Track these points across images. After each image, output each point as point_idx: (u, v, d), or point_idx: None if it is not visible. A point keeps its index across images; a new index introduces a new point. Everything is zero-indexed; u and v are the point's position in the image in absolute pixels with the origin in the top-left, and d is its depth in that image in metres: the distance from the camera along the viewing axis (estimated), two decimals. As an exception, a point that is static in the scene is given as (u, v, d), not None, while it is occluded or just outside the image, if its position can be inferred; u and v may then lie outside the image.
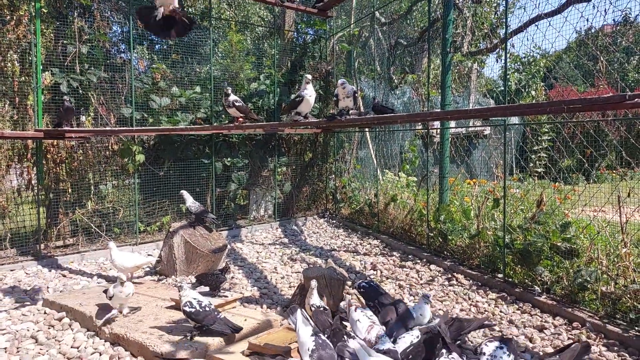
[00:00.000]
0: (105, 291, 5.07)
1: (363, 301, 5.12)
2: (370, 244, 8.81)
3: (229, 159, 9.55)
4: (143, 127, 8.00)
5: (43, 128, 7.33)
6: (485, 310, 5.63)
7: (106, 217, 8.33)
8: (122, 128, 7.97)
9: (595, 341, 4.69)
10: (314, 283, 4.84)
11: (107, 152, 8.36)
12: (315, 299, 4.77)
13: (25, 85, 7.46)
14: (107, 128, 7.95)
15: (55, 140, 7.65)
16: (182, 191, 7.44)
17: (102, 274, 7.05)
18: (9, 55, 7.31)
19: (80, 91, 7.95)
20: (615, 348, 4.54)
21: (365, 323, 4.30)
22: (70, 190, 7.98)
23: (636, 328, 4.66)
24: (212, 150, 9.23)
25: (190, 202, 7.34)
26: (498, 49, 9.23)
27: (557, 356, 3.63)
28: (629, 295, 4.84)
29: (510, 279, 6.19)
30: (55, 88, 7.71)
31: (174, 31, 4.59)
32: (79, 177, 8.10)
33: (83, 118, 8.07)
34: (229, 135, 9.52)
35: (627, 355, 4.42)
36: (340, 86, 5.04)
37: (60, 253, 7.76)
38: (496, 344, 3.68)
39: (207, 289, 5.69)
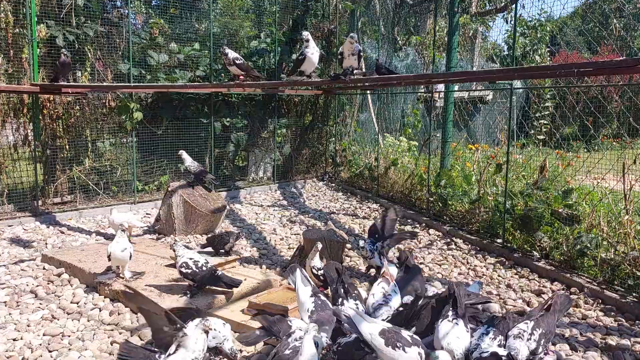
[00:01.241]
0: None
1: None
2: (369, 207, 8.80)
3: (228, 119, 9.42)
4: (141, 84, 7.84)
5: (39, 82, 7.17)
6: (483, 274, 5.65)
7: (104, 175, 8.26)
8: (119, 84, 7.81)
9: (592, 306, 4.73)
10: (319, 245, 4.80)
11: (105, 109, 8.22)
12: (316, 261, 4.77)
13: (20, 37, 7.25)
14: (104, 84, 7.78)
15: (52, 96, 7.50)
16: (180, 151, 7.35)
17: (100, 232, 7.03)
18: (2, 5, 7.08)
19: (77, 45, 7.75)
20: (612, 313, 4.57)
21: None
22: (67, 146, 7.88)
23: (634, 294, 4.69)
24: (211, 110, 9.08)
25: (189, 162, 7.26)
26: (507, 10, 8.99)
27: (543, 311, 3.61)
28: (628, 262, 4.85)
29: (509, 245, 6.19)
30: (50, 41, 7.51)
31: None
32: (76, 134, 7.98)
33: (80, 73, 7.89)
34: (229, 95, 9.36)
35: (623, 320, 4.45)
36: (349, 40, 4.88)
37: (58, 210, 7.72)
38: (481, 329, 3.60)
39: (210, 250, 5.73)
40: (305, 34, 5.18)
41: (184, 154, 7.26)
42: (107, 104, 8.18)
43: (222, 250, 5.67)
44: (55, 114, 7.72)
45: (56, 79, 6.67)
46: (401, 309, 4.01)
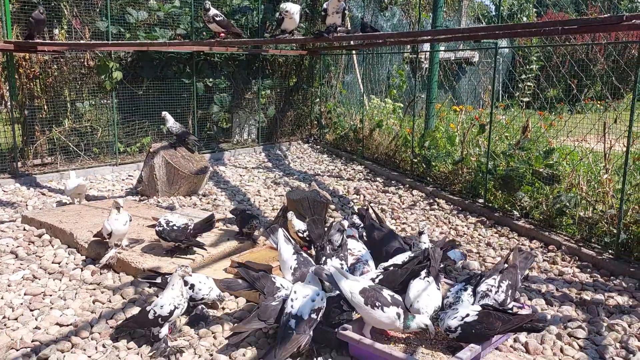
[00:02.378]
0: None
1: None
2: (354, 169, 8.80)
3: (210, 80, 9.25)
4: (119, 42, 7.62)
5: (12, 39, 6.93)
6: (464, 234, 5.73)
7: (84, 136, 8.12)
8: (97, 42, 7.59)
9: (569, 263, 4.83)
10: (289, 215, 4.71)
11: (83, 69, 8.01)
12: (299, 225, 4.74)
13: (-9, -8, 6.96)
14: (82, 42, 7.55)
15: (27, 54, 7.27)
16: (163, 112, 7.23)
17: (82, 193, 6.96)
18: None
19: (52, 2, 7.47)
20: (588, 270, 4.68)
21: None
22: (45, 107, 7.70)
23: (610, 251, 4.80)
24: (193, 70, 8.89)
25: (171, 122, 7.15)
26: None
27: (506, 265, 3.66)
28: (605, 220, 4.94)
29: (490, 204, 6.27)
30: (24, -4, 7.23)
31: None
32: (55, 94, 7.79)
33: (56, 31, 7.64)
34: (211, 55, 9.15)
35: (598, 276, 4.57)
36: None
37: (39, 172, 7.61)
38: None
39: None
40: None
41: (167, 115, 7.15)
42: (85, 63, 7.96)
43: (244, 229, 5.09)
44: (32, 73, 7.51)
45: (31, 36, 6.45)
46: (391, 268, 3.85)
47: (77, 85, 7.97)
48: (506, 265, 3.67)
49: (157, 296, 3.62)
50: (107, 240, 4.55)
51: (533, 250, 5.14)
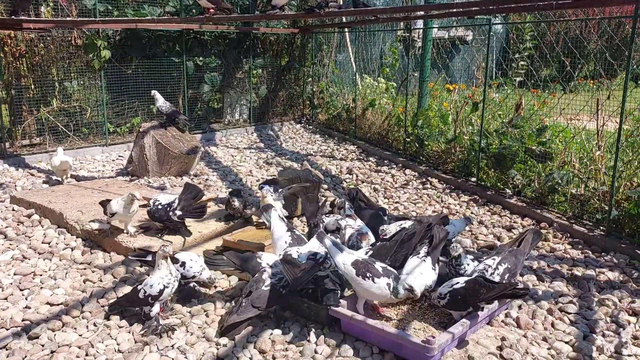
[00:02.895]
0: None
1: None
2: (346, 149, 8.76)
3: (201, 59, 9.11)
4: (107, 19, 7.46)
5: (-3, 17, 6.77)
6: (456, 212, 5.73)
7: (73, 116, 8.00)
8: (84, 19, 7.42)
9: (561, 240, 4.85)
10: (264, 191, 4.64)
11: (71, 48, 7.85)
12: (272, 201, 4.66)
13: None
14: (69, 19, 7.39)
15: (12, 31, 7.12)
16: (153, 91, 7.13)
17: (72, 174, 6.87)
18: None
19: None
20: (580, 246, 4.70)
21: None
22: (33, 87, 7.57)
23: (601, 227, 4.81)
24: (183, 49, 8.75)
25: (161, 102, 7.06)
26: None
27: (513, 247, 3.67)
28: (597, 197, 4.95)
29: (482, 183, 6.26)
30: (7, -27, 7.04)
31: None
32: (42, 74, 7.65)
33: (42, 8, 7.47)
34: (201, 33, 9.00)
35: (589, 252, 4.59)
36: None
37: (27, 152, 7.51)
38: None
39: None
40: None
41: (157, 94, 7.06)
42: (73, 41, 7.81)
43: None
44: (18, 51, 7.36)
45: (15, 12, 6.29)
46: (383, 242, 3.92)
47: (64, 64, 7.82)
48: (513, 247, 3.66)
49: (149, 275, 3.59)
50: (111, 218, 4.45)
51: (525, 228, 5.15)
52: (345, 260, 3.22)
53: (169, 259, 3.36)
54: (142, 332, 3.25)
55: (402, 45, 10.71)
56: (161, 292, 3.27)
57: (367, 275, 3.13)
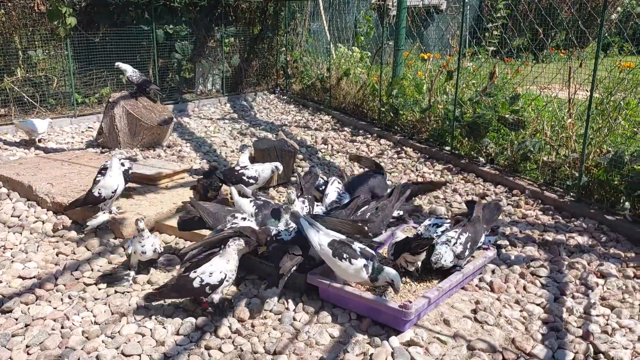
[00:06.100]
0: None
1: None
2: (321, 119, 8.71)
3: (171, 27, 8.85)
4: (72, -15, 7.16)
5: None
6: (431, 180, 5.78)
7: (39, 86, 7.72)
8: (47, -15, 7.11)
9: (532, 207, 4.96)
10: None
11: (34, 14, 7.51)
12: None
13: None
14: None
15: (-30, -3, 6.77)
16: (117, 63, 6.85)
17: (39, 146, 6.68)
18: None
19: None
20: (550, 212, 4.82)
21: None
22: (-6, 55, 7.26)
23: (571, 194, 4.93)
24: (152, 16, 8.47)
25: (130, 72, 6.84)
26: None
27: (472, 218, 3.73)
28: (568, 164, 5.05)
29: (457, 152, 6.32)
30: None
31: None
32: (4, 42, 7.33)
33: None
34: (170, 0, 8.72)
35: (560, 218, 4.71)
36: None
37: (-9, 124, 7.25)
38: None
39: None
40: None
41: (122, 65, 6.80)
42: (36, 8, 7.47)
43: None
44: (-23, 18, 7.02)
45: (-28, -24, 5.97)
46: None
47: (27, 32, 7.50)
48: (467, 218, 3.71)
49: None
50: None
51: (498, 196, 5.24)
52: (321, 241, 3.17)
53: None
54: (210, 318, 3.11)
55: (377, 13, 10.59)
56: (221, 281, 3.08)
57: (344, 256, 3.08)
